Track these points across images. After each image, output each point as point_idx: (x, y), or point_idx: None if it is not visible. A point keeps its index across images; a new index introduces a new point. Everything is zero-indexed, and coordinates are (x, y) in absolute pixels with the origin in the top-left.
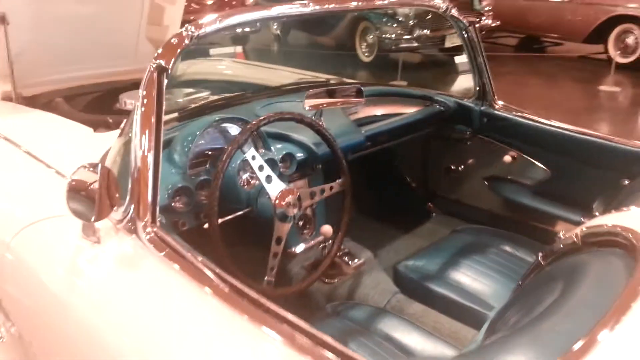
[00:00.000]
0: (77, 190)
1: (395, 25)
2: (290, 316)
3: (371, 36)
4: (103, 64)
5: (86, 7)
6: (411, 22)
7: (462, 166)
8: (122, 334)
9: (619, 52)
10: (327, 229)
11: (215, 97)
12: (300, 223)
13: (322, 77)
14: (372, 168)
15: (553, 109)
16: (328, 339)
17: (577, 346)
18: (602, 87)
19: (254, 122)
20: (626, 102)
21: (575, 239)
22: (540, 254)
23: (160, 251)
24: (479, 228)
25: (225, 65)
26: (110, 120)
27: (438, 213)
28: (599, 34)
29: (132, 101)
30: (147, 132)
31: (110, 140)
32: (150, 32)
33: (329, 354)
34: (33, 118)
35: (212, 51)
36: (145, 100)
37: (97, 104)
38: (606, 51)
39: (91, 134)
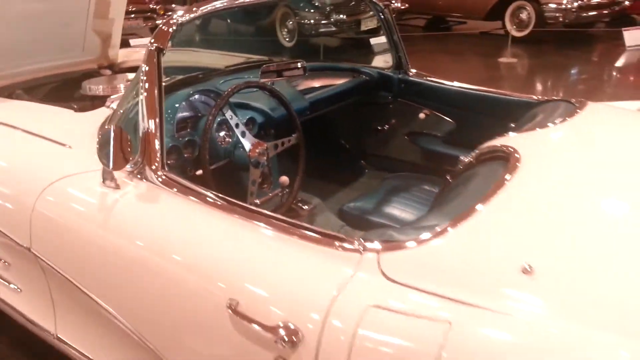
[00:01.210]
0: (101, 147)
1: (312, 11)
2: (273, 214)
3: (290, 22)
4: (54, 57)
5: (36, 4)
6: (328, 9)
7: (387, 126)
8: (149, 252)
9: (514, 27)
10: (284, 179)
11: (180, 77)
12: (260, 180)
13: (255, 58)
14: (315, 132)
15: (460, 81)
16: (304, 223)
17: (464, 211)
18: (502, 59)
19: (229, 89)
20: (522, 71)
21: (471, 159)
22: (448, 176)
23: (171, 188)
24: (404, 175)
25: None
26: (75, 107)
27: (370, 169)
28: (497, 11)
29: (97, 87)
30: (152, 99)
31: (90, 118)
32: (96, 25)
33: (307, 232)
34: (13, 106)
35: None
36: (148, 76)
37: (55, 93)
38: (504, 27)
39: (73, 114)
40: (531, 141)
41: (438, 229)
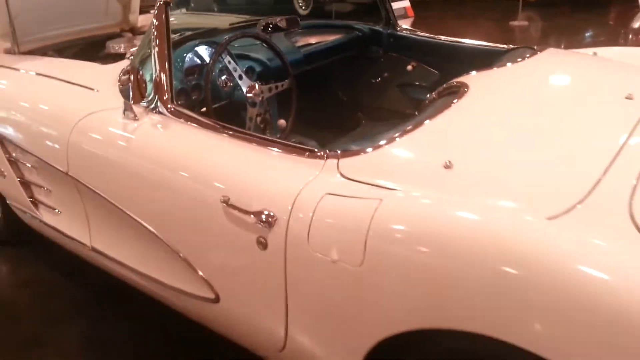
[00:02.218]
0: (122, 85)
1: None
2: (258, 134)
3: None
4: (81, 22)
5: None
6: None
7: (379, 79)
8: (161, 168)
9: None
10: (282, 122)
11: (189, 33)
12: (262, 126)
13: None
14: (313, 85)
15: None
16: (282, 140)
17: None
18: (513, 23)
19: (227, 37)
20: (535, 33)
21: (434, 95)
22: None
23: (179, 118)
24: (396, 122)
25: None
26: (100, 61)
27: (366, 119)
28: None
29: (119, 45)
30: (162, 45)
31: (113, 69)
32: None
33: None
34: (47, 61)
35: None
36: (158, 27)
37: (82, 53)
38: None
39: (98, 66)
40: (484, 76)
41: (387, 139)
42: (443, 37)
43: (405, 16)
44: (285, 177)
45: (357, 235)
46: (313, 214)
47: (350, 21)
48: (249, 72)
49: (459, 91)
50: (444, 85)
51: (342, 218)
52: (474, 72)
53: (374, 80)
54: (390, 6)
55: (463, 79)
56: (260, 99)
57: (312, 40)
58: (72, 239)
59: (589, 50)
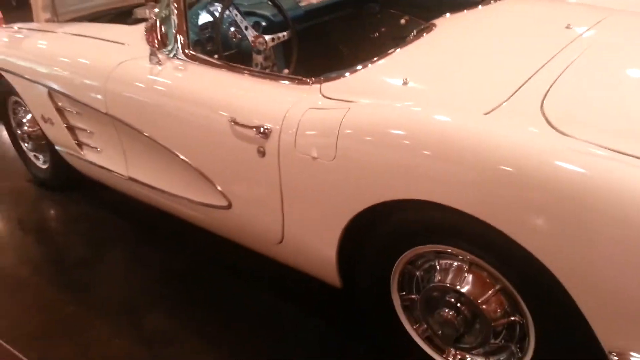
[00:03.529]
0: (148, 34)
1: None
2: (257, 70)
3: None
4: None
5: None
6: None
7: (377, 33)
8: (183, 102)
9: None
10: (286, 71)
11: None
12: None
13: None
14: (315, 40)
15: None
16: (276, 73)
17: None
18: None
19: None
20: None
21: (412, 35)
22: None
23: (195, 61)
24: None
25: None
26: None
27: None
28: None
29: (144, 11)
30: (180, 2)
31: (139, 27)
32: None
33: (277, 77)
34: (83, 25)
35: None
36: None
37: (113, 20)
38: None
39: (127, 27)
40: (451, 18)
41: (362, 65)
42: None
43: None
44: (278, 99)
45: (330, 136)
46: (298, 124)
47: None
48: (256, 25)
49: (428, 29)
50: (421, 26)
51: (320, 125)
52: (447, 15)
53: (371, 35)
54: None
55: (436, 20)
56: (264, 47)
57: (314, 0)
58: (112, 172)
59: None
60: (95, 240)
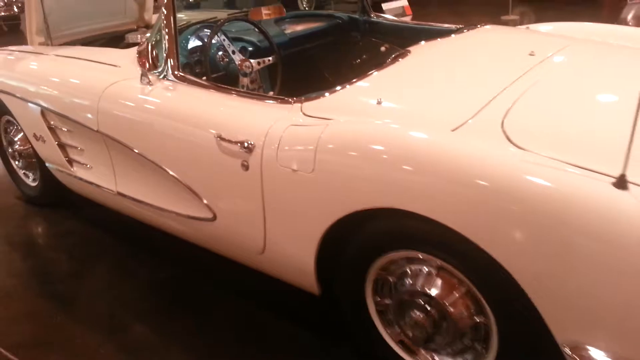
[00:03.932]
0: (140, 57)
1: None
2: (242, 90)
3: None
4: (103, 20)
5: None
6: None
7: (359, 60)
8: (170, 120)
9: None
10: (271, 93)
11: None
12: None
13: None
14: (301, 66)
15: None
16: (261, 94)
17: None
18: (504, 17)
19: (222, 19)
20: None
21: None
22: None
23: (184, 82)
24: None
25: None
26: (121, 47)
27: None
28: None
29: (136, 36)
30: (169, 26)
31: (132, 51)
32: None
33: (262, 97)
34: (77, 48)
35: None
36: (167, 13)
37: (105, 45)
38: None
39: (120, 50)
40: (425, 45)
41: (341, 86)
42: (407, 21)
43: (403, 14)
44: (262, 117)
45: (309, 150)
46: (280, 139)
47: (332, 11)
48: (243, 50)
49: (403, 54)
50: (398, 52)
51: (300, 140)
52: (422, 42)
53: (353, 61)
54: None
55: (411, 47)
56: (250, 70)
57: (299, 27)
58: (101, 187)
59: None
60: (83, 254)
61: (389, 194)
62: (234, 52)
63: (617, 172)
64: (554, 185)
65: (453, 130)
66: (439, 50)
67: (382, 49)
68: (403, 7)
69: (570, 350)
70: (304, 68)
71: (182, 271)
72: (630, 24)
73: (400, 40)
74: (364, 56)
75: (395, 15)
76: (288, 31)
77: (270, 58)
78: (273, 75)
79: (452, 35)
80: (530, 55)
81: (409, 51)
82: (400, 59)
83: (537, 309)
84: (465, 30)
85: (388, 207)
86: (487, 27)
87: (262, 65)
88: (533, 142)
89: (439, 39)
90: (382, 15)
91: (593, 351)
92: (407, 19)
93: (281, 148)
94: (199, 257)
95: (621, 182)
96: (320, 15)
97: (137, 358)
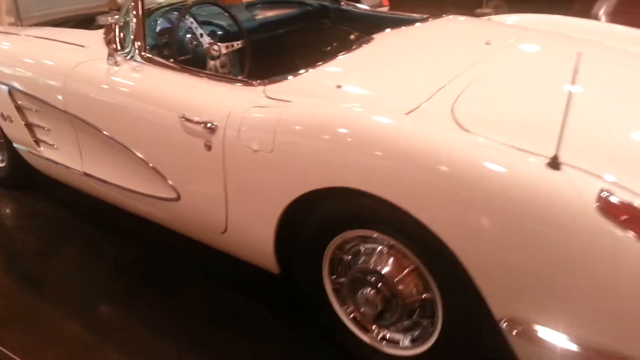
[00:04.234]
0: (106, 38)
1: None
2: (206, 71)
3: None
4: (75, 2)
5: None
6: None
7: (329, 47)
8: (136, 100)
9: None
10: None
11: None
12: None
13: None
14: (271, 52)
15: None
16: (225, 75)
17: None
18: (478, 10)
19: (191, 2)
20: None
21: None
22: None
23: (150, 63)
24: None
25: None
26: (90, 28)
27: None
28: None
29: (107, 18)
30: (137, 6)
31: (100, 32)
32: None
33: (226, 79)
34: (46, 29)
35: None
36: None
37: (76, 26)
38: None
39: (88, 31)
40: (389, 33)
41: (305, 70)
42: (375, 10)
43: (380, 5)
44: (225, 98)
45: (268, 131)
46: (242, 120)
47: None
48: (212, 34)
49: (367, 41)
50: (362, 39)
51: (260, 121)
52: (387, 30)
53: (323, 48)
54: None
55: (375, 35)
56: (217, 53)
57: (269, 13)
58: (68, 167)
59: None
60: (51, 235)
61: (342, 174)
62: (202, 35)
63: (551, 154)
64: (491, 166)
65: (407, 114)
66: (401, 38)
67: (352, 37)
68: None
69: (506, 325)
70: (273, 53)
71: (149, 252)
72: (602, 19)
73: (368, 28)
74: (333, 43)
75: (372, 6)
76: (259, 17)
77: (239, 42)
78: (242, 60)
79: (417, 24)
80: (487, 44)
81: (372, 38)
82: (363, 45)
83: (476, 285)
84: (429, 20)
85: (342, 187)
86: (450, 17)
87: (230, 49)
88: (478, 125)
89: (403, 27)
90: (351, 3)
91: (527, 325)
92: (385, 9)
93: (243, 129)
94: (165, 239)
95: (554, 163)
96: (292, 2)
97: (104, 336)
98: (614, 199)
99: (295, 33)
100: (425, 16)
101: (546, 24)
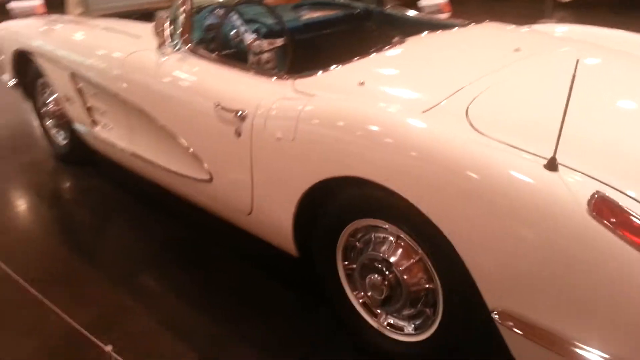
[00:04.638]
0: (156, 30)
1: None
2: (244, 64)
3: None
4: None
5: None
6: None
7: (368, 48)
8: (180, 88)
9: None
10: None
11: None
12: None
13: None
14: (315, 52)
15: None
16: (261, 69)
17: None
18: (541, 21)
19: (236, 2)
20: None
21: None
22: None
23: (195, 54)
24: None
25: None
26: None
27: None
28: None
29: (165, 13)
30: (186, 4)
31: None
32: None
33: (262, 72)
34: (109, 20)
35: None
36: None
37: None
38: None
39: (145, 24)
40: (426, 36)
41: (336, 65)
42: (417, 14)
43: (440, 11)
44: (257, 90)
45: (291, 120)
46: (269, 110)
47: (348, 1)
48: (257, 31)
49: (399, 42)
50: (396, 40)
51: (285, 112)
52: (425, 33)
53: (363, 50)
54: None
55: (411, 37)
56: (259, 49)
57: (315, 14)
58: (119, 147)
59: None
60: (103, 209)
61: (355, 164)
62: (245, 32)
63: (549, 155)
64: (491, 165)
65: (424, 112)
66: (433, 41)
67: (394, 40)
68: (439, 4)
69: (498, 317)
70: (316, 52)
71: (192, 233)
72: None
73: (411, 31)
74: (375, 45)
75: (431, 12)
76: (305, 17)
77: (281, 40)
78: (285, 57)
79: (455, 29)
80: (516, 51)
81: (405, 40)
82: (396, 46)
83: (473, 278)
84: (468, 25)
85: (355, 176)
86: (490, 23)
87: (272, 46)
88: (488, 127)
89: (439, 31)
90: (393, 7)
91: (518, 318)
92: (444, 16)
93: (269, 118)
94: (209, 223)
95: (551, 164)
96: (337, 5)
97: (141, 302)
98: (605, 201)
99: (338, 34)
100: (467, 22)
101: (592, 36)
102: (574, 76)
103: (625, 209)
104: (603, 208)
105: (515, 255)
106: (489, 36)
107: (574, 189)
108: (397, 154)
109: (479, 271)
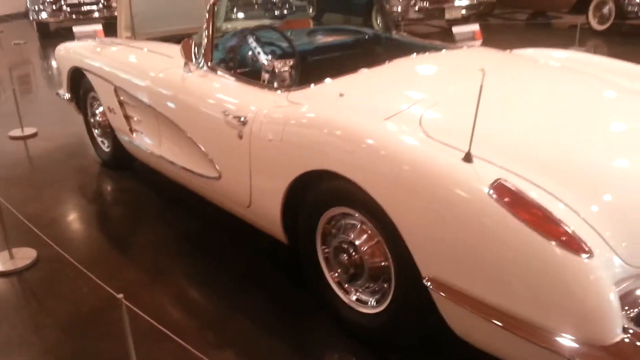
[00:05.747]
0: (183, 49)
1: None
2: (250, 79)
3: None
4: (179, 23)
5: None
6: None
7: None
8: (202, 101)
9: (596, 20)
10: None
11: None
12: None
13: None
14: (323, 71)
15: None
16: (260, 82)
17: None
18: (572, 48)
19: (252, 27)
20: None
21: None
22: None
23: (215, 72)
24: None
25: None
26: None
27: None
28: (582, 5)
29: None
30: (208, 27)
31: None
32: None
33: (261, 84)
34: (151, 42)
35: None
36: (208, 17)
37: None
38: (587, 20)
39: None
40: (412, 57)
41: (328, 79)
42: (423, 40)
43: (472, 39)
44: (257, 99)
45: (280, 124)
46: (264, 116)
47: (357, 27)
48: (272, 53)
49: (387, 62)
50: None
51: (276, 117)
52: (413, 55)
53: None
54: (388, 19)
55: (399, 58)
56: (271, 68)
57: (329, 39)
58: (150, 152)
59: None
60: (135, 206)
61: (326, 159)
62: (259, 53)
63: (466, 149)
64: (423, 158)
65: (386, 119)
66: (416, 62)
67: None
68: (473, 31)
69: (429, 283)
70: (325, 72)
71: (208, 226)
72: None
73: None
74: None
75: (464, 40)
76: (317, 42)
77: (291, 60)
78: (295, 75)
79: (443, 51)
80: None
81: (393, 60)
82: (383, 64)
83: (409, 250)
84: (456, 49)
85: (326, 170)
86: (480, 48)
87: (282, 66)
88: (436, 131)
89: (427, 53)
90: (400, 33)
91: (444, 284)
92: (477, 43)
93: (264, 123)
94: (223, 220)
95: (467, 157)
96: (348, 30)
97: (157, 281)
98: (503, 186)
99: (348, 57)
100: (460, 46)
101: (586, 64)
102: (481, 86)
103: (517, 191)
104: (503, 191)
105: (438, 230)
106: (468, 59)
107: (481, 175)
108: (357, 151)
109: (413, 244)
